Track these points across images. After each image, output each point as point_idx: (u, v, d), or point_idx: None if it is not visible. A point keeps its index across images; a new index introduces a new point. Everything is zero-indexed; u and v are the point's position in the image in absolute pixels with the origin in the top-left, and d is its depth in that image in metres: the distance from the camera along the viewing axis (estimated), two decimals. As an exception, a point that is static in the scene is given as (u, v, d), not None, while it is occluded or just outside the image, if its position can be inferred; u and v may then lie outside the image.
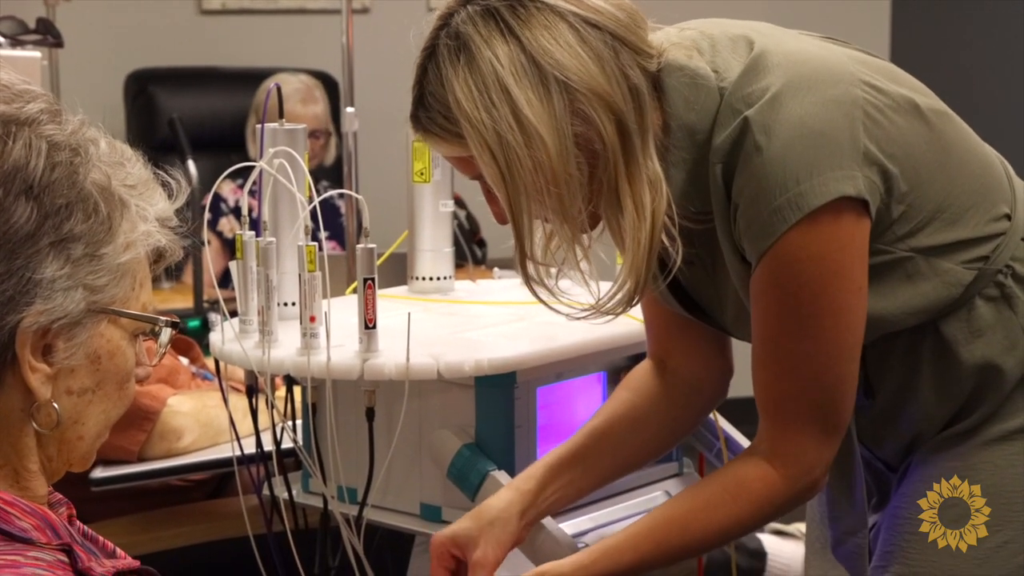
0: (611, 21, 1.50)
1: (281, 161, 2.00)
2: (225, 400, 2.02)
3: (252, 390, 1.99)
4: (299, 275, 1.89)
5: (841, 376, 1.54)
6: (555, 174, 1.48)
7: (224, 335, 1.98)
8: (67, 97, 1.24)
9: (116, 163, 1.20)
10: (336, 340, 1.87)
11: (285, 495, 2.01)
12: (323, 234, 1.88)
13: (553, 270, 1.60)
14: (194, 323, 2.93)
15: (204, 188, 3.55)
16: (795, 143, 1.47)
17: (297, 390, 2.02)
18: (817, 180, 1.46)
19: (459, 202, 4.19)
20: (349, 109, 2.89)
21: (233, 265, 2.01)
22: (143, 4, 4.96)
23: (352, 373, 1.85)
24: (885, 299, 1.55)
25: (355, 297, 1.88)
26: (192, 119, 4.21)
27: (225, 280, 2.83)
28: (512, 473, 1.83)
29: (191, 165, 3.26)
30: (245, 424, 2.12)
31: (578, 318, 1.60)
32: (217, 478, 2.58)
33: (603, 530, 1.88)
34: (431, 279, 2.29)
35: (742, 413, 2.13)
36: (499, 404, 1.87)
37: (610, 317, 1.59)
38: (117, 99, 4.73)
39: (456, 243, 2.36)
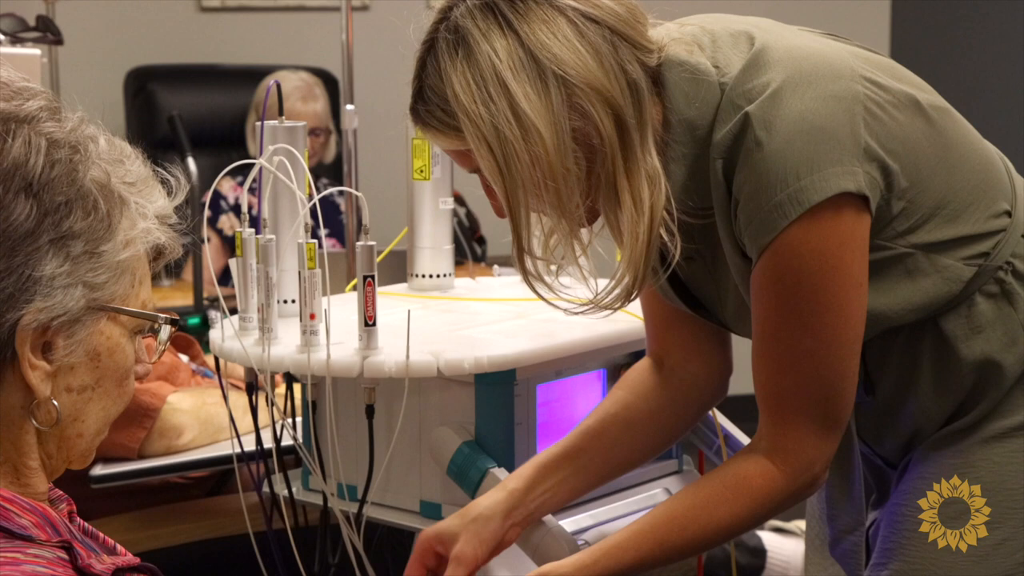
0: (610, 16, 1.50)
1: (281, 158, 1.99)
2: (225, 397, 2.02)
3: (252, 387, 1.99)
4: (299, 272, 1.89)
5: (841, 372, 1.54)
6: (552, 168, 1.48)
7: (224, 332, 1.98)
8: (66, 94, 1.24)
9: (115, 160, 1.20)
10: (336, 337, 1.87)
11: (285, 492, 2.01)
12: (323, 231, 1.88)
13: (551, 265, 1.60)
14: (194, 320, 2.93)
15: (204, 186, 3.56)
16: (796, 139, 1.47)
17: (297, 387, 2.02)
18: (817, 176, 1.46)
19: (459, 200, 4.20)
20: (349, 106, 2.89)
21: (233, 262, 2.01)
22: (143, 2, 4.96)
23: (352, 370, 1.85)
24: (885, 295, 1.55)
25: (355, 294, 1.88)
26: (192, 116, 4.21)
27: (225, 277, 2.83)
28: (512, 471, 1.83)
29: (191, 162, 3.27)
30: (245, 421, 2.12)
31: (576, 313, 1.60)
32: (217, 475, 2.58)
33: (603, 527, 1.88)
34: (431, 276, 2.29)
35: (742, 410, 2.13)
36: (499, 401, 1.87)
37: (608, 312, 1.59)
38: (117, 96, 4.73)
39: (456, 240, 2.36)
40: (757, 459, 1.58)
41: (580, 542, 1.80)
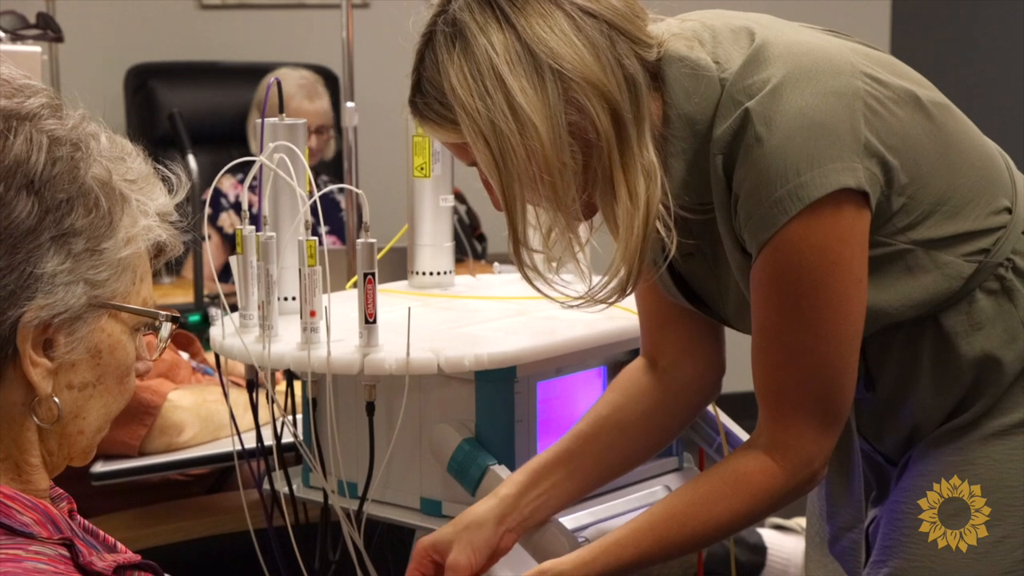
0: (608, 11, 1.51)
1: (281, 156, 2.00)
2: (225, 395, 2.02)
3: (252, 385, 1.99)
4: (299, 270, 1.89)
5: (841, 368, 1.54)
6: (548, 162, 1.48)
7: (224, 330, 1.98)
8: (67, 92, 1.24)
9: (117, 158, 1.20)
10: (336, 335, 1.87)
11: (285, 490, 2.02)
12: (323, 229, 1.88)
13: (552, 262, 1.60)
14: (194, 318, 2.93)
15: (204, 183, 3.55)
16: (796, 134, 1.47)
17: (297, 385, 2.02)
18: (817, 171, 1.46)
19: (459, 197, 4.19)
20: (349, 104, 2.89)
21: (233, 260, 2.01)
22: (143, -1, 4.96)
23: (352, 368, 1.85)
24: (885, 291, 1.55)
25: (355, 292, 1.88)
26: (192, 114, 4.21)
27: (225, 275, 2.83)
28: (512, 468, 1.83)
29: (191, 160, 3.27)
30: (245, 419, 2.12)
31: (572, 306, 1.61)
32: (217, 473, 2.59)
33: (603, 524, 1.88)
34: (431, 274, 2.29)
35: (742, 407, 2.13)
36: (499, 399, 1.87)
37: (604, 306, 1.59)
38: (117, 94, 4.73)
39: (456, 238, 2.36)
40: (756, 455, 1.58)
41: (580, 539, 1.81)
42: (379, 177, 3.71)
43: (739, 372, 1.79)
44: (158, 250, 1.24)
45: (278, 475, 2.03)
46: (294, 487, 2.02)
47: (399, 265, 2.36)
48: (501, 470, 1.84)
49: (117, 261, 1.18)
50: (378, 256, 1.88)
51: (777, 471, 1.57)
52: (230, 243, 4.23)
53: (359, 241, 1.85)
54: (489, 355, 1.83)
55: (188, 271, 3.98)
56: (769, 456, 1.57)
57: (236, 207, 4.35)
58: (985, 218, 1.58)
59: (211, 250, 4.17)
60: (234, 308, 2.02)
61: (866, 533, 1.69)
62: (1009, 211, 1.60)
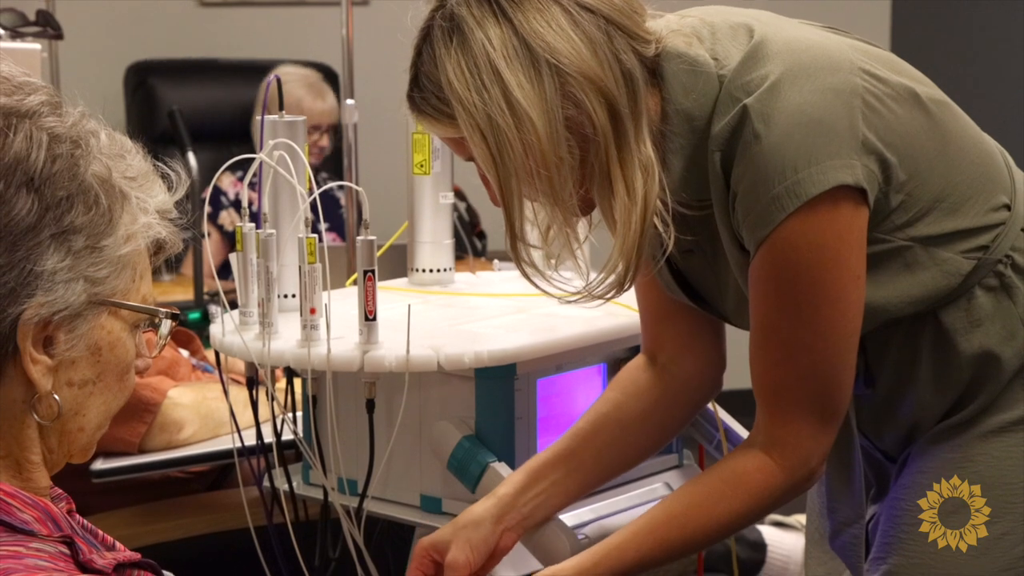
0: (606, 5, 1.51)
1: (281, 153, 2.00)
2: (225, 392, 2.02)
3: (252, 382, 1.99)
4: (299, 267, 1.89)
5: (838, 365, 1.54)
6: (545, 157, 1.48)
7: (224, 327, 1.98)
8: (67, 89, 1.24)
9: (116, 155, 1.20)
10: (336, 332, 1.87)
11: (285, 487, 2.02)
12: (323, 226, 1.88)
13: (551, 259, 1.60)
14: (194, 315, 2.93)
15: (204, 181, 3.55)
16: (794, 131, 1.47)
17: (297, 382, 2.02)
18: (815, 168, 1.46)
19: (459, 194, 4.20)
20: (349, 101, 2.89)
21: (233, 257, 2.01)
22: (143, -3, 4.96)
23: (352, 365, 1.85)
24: (884, 288, 1.56)
25: (355, 289, 1.88)
26: (192, 111, 4.21)
27: (225, 272, 2.83)
28: (512, 465, 1.83)
29: (191, 157, 3.26)
30: (245, 416, 2.12)
31: (569, 302, 1.61)
32: (217, 470, 2.59)
33: (604, 521, 1.88)
34: (431, 271, 2.29)
35: (742, 405, 2.13)
36: (499, 396, 1.87)
37: (601, 301, 1.59)
38: (117, 91, 4.73)
39: (456, 235, 2.36)
40: (755, 454, 1.58)
41: (581, 536, 1.81)
42: (379, 174, 3.71)
43: (740, 369, 1.78)
44: (158, 247, 1.24)
45: (278, 472, 2.03)
46: (294, 484, 2.02)
47: (399, 262, 2.36)
48: (501, 467, 1.84)
49: (117, 258, 1.18)
50: (378, 253, 1.88)
51: (775, 469, 1.57)
52: (230, 241, 4.23)
53: (359, 238, 1.85)
54: (489, 352, 1.84)
55: (188, 268, 3.98)
56: (767, 454, 1.57)
57: (236, 205, 4.35)
58: (984, 215, 1.58)
59: (211, 248, 4.18)
60: (234, 305, 2.02)
61: (866, 529, 1.70)
62: (1008, 208, 1.60)
